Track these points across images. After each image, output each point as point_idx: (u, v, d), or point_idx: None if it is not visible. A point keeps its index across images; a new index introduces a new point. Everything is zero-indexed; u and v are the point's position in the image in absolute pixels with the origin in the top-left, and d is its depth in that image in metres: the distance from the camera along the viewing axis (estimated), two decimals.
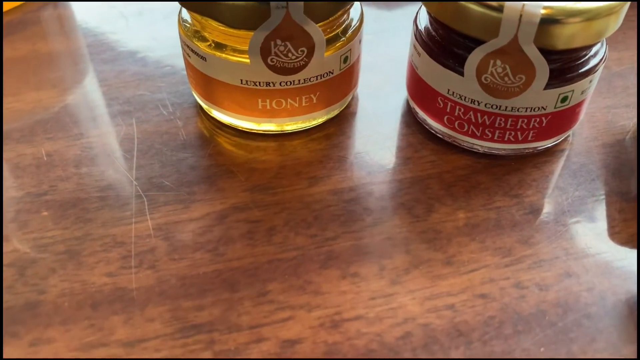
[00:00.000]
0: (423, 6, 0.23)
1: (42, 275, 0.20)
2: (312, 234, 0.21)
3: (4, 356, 0.18)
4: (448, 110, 0.22)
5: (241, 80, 0.22)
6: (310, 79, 0.22)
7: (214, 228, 0.21)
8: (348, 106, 0.26)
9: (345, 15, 0.23)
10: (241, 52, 0.21)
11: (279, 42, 0.21)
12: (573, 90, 0.21)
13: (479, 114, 0.22)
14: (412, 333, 0.18)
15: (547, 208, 0.22)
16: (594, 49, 0.22)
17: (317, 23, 0.21)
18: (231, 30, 0.21)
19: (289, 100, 0.23)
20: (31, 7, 0.32)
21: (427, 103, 0.23)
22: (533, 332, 0.18)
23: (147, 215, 0.21)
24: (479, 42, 0.20)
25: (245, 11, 0.20)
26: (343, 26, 0.23)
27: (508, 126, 0.22)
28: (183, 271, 0.20)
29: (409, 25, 0.25)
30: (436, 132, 0.24)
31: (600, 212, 0.22)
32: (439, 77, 0.22)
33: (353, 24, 0.23)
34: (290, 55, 0.21)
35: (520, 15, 0.19)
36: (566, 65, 0.21)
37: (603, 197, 0.22)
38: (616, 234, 0.21)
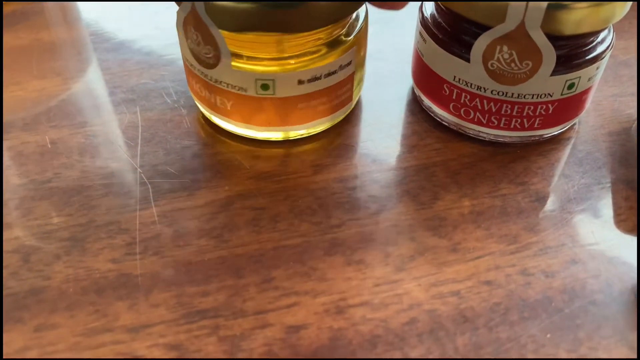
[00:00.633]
0: None
1: (46, 261, 0.20)
2: (317, 221, 0.21)
3: (9, 340, 0.18)
4: (454, 97, 0.22)
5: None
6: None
7: (218, 215, 0.21)
8: None
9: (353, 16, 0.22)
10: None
11: None
12: (580, 77, 0.21)
13: (485, 101, 0.22)
14: (417, 319, 0.18)
15: (553, 196, 0.22)
16: (601, 36, 0.21)
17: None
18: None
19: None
20: None
21: (432, 90, 0.23)
22: (539, 318, 0.18)
23: (151, 203, 0.21)
24: (485, 28, 0.20)
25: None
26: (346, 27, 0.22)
27: (514, 113, 0.22)
28: (188, 257, 0.20)
29: (413, 13, 0.25)
30: (442, 119, 0.24)
31: (607, 199, 0.22)
32: (445, 64, 0.22)
33: (359, 24, 0.22)
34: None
35: (527, 0, 0.19)
36: (573, 52, 0.21)
37: (609, 185, 0.22)
38: (622, 221, 0.21)
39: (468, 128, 0.23)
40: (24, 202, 0.21)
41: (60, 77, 0.27)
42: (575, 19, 0.19)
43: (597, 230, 0.20)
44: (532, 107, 0.21)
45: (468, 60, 0.21)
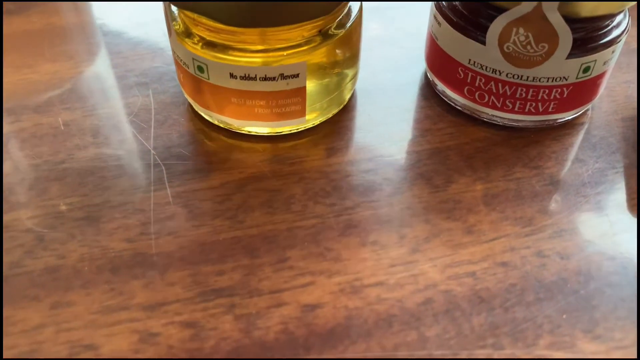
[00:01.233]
0: None
1: (61, 240, 0.20)
2: (331, 203, 0.21)
3: (25, 317, 0.18)
4: (468, 80, 0.22)
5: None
6: None
7: (233, 196, 0.21)
8: (365, 79, 0.25)
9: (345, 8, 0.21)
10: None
11: None
12: (595, 61, 0.21)
13: (500, 84, 0.22)
14: (433, 299, 0.18)
15: (568, 179, 0.22)
16: (617, 19, 0.21)
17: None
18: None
19: None
20: None
21: (447, 74, 0.23)
22: (555, 299, 0.18)
23: (165, 184, 0.21)
24: (501, 10, 0.20)
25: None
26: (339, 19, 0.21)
27: (529, 97, 0.22)
28: (203, 237, 0.20)
29: None
30: (455, 104, 0.24)
31: (620, 184, 0.21)
32: (460, 47, 0.22)
33: (352, 16, 0.22)
34: None
35: None
36: (589, 35, 0.21)
37: (623, 169, 0.22)
38: (636, 205, 0.21)
39: (482, 112, 0.23)
40: (38, 183, 0.21)
41: (72, 61, 0.27)
42: (592, 1, 0.19)
43: (612, 213, 0.20)
44: (547, 91, 0.21)
45: (484, 42, 0.21)
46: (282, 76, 0.20)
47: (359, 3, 0.22)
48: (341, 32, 0.21)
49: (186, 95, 0.23)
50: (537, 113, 0.22)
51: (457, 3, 0.22)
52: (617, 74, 0.26)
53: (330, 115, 0.23)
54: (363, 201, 0.21)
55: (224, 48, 0.20)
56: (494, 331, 0.17)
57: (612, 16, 0.21)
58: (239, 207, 0.21)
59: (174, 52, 0.22)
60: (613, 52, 0.21)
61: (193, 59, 0.21)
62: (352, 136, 0.23)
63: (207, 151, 0.22)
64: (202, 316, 0.18)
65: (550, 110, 0.22)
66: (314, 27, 0.20)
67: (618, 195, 0.21)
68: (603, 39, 0.21)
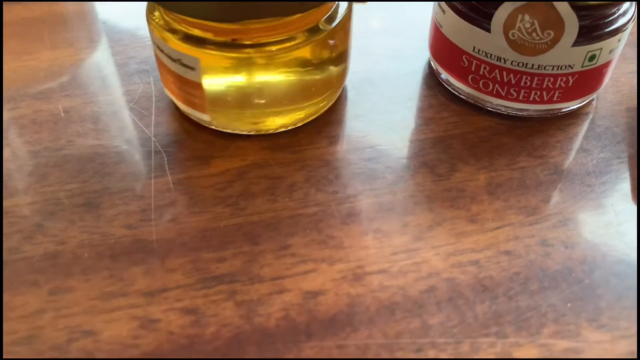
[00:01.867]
0: None
1: (61, 226, 0.19)
2: (333, 191, 0.21)
3: (24, 303, 0.17)
4: (473, 69, 0.22)
5: None
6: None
7: (234, 184, 0.21)
8: (368, 69, 0.25)
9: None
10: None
11: None
12: (601, 49, 0.21)
13: (504, 72, 0.21)
14: (436, 287, 0.18)
15: (572, 169, 0.21)
16: (624, 7, 0.21)
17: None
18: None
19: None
20: None
21: (451, 63, 0.23)
22: (559, 288, 0.18)
23: (166, 171, 0.21)
24: None
25: None
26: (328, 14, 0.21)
27: (534, 85, 0.21)
28: (204, 224, 0.19)
29: None
30: (459, 93, 0.24)
31: (626, 173, 0.21)
32: (465, 35, 0.21)
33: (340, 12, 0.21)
34: None
35: None
36: (595, 22, 0.20)
37: (628, 159, 0.22)
38: None
39: (486, 101, 0.23)
40: (38, 169, 0.21)
41: (73, 48, 0.26)
42: None
43: (617, 203, 0.20)
44: (552, 79, 0.21)
45: (489, 30, 0.21)
46: (181, 63, 0.20)
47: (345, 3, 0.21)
48: (329, 28, 0.20)
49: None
50: (542, 102, 0.22)
51: None
52: (622, 64, 0.26)
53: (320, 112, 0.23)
54: (365, 189, 0.21)
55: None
56: (497, 319, 0.17)
57: (618, 3, 0.21)
58: (240, 194, 0.20)
59: None
60: (619, 40, 0.21)
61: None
62: (355, 124, 0.23)
63: (208, 139, 0.22)
64: (202, 303, 0.17)
65: (555, 99, 0.22)
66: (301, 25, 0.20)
67: (623, 185, 0.21)
68: (609, 26, 0.21)
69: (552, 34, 0.20)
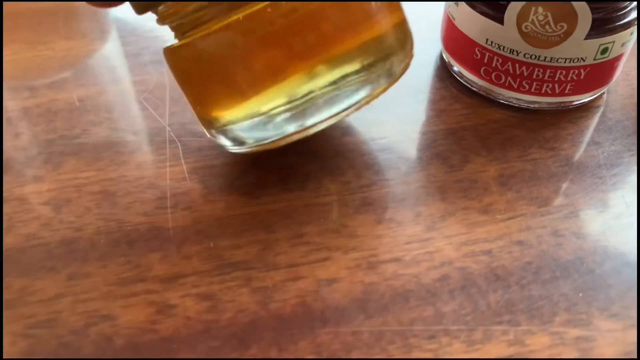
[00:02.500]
0: None
1: (77, 213, 0.20)
2: (347, 181, 0.21)
3: (42, 287, 0.18)
4: (485, 61, 0.22)
5: None
6: None
7: (248, 173, 0.21)
8: None
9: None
10: None
11: None
12: (614, 42, 0.21)
13: (517, 65, 0.21)
14: (449, 276, 0.18)
15: (584, 161, 0.21)
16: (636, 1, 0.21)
17: None
18: None
19: None
20: None
21: (463, 55, 0.23)
22: (571, 277, 0.18)
23: (181, 159, 0.21)
24: None
25: None
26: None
27: (546, 78, 0.22)
28: (219, 212, 0.20)
29: None
30: (472, 85, 0.24)
31: (636, 166, 0.21)
32: (478, 27, 0.22)
33: None
34: None
35: None
36: (608, 15, 0.21)
37: (638, 152, 0.22)
38: None
39: (498, 93, 0.23)
40: (54, 157, 0.21)
41: (87, 38, 0.27)
42: None
43: (628, 195, 0.20)
44: (564, 72, 0.21)
45: (502, 22, 0.21)
46: None
47: None
48: None
49: None
50: (554, 94, 0.22)
51: None
52: (633, 58, 0.26)
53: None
54: (379, 179, 0.21)
55: None
56: (510, 308, 0.17)
57: None
58: (254, 183, 0.21)
59: None
60: (632, 33, 0.21)
61: None
62: (368, 116, 0.23)
63: None
64: (219, 289, 0.18)
65: (566, 92, 0.22)
66: None
67: (634, 177, 0.21)
68: (622, 19, 0.21)
69: (565, 26, 0.20)
